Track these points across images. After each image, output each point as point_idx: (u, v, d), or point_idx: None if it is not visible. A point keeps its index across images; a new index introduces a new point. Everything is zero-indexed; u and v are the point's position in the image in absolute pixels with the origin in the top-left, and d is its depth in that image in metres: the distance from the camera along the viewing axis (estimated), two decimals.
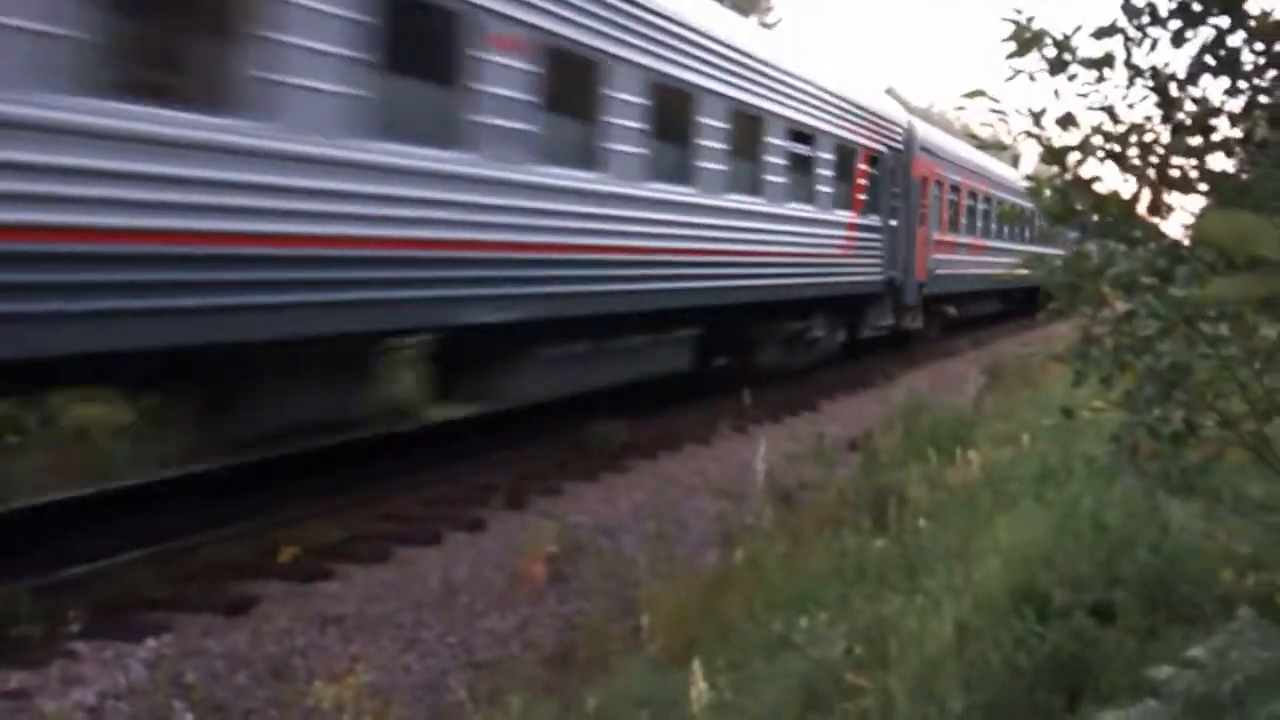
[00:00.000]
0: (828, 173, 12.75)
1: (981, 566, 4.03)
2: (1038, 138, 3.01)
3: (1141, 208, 2.94)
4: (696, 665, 3.52)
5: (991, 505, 5.43)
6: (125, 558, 5.55)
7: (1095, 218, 2.93)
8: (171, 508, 6.52)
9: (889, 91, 18.42)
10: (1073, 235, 3.26)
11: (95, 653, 4.52)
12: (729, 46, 10.14)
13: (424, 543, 6.38)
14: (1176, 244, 2.94)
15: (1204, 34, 2.96)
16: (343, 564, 5.90)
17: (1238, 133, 2.99)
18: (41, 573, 5.16)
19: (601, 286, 8.24)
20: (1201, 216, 0.89)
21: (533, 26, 7.32)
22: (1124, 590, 3.46)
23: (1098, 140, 2.92)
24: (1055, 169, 3.00)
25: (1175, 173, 2.85)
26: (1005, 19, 3.02)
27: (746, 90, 10.51)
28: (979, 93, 3.18)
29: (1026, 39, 3.01)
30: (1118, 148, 2.87)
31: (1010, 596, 3.59)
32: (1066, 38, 2.98)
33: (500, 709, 3.87)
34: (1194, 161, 2.89)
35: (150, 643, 4.64)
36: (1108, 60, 2.97)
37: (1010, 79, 3.12)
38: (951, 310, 19.51)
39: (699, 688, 3.42)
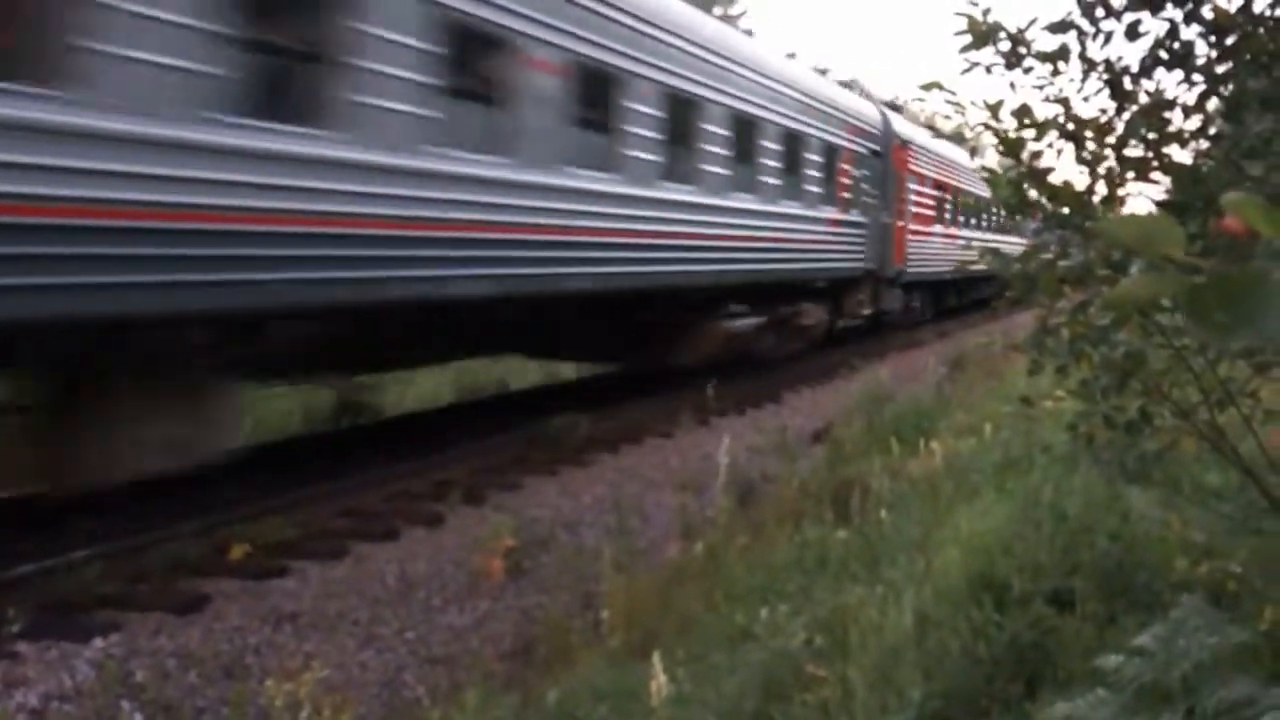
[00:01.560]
0: None
1: (942, 556, 4.05)
2: (994, 129, 3.02)
3: (1096, 199, 2.96)
4: (656, 658, 3.50)
5: (953, 495, 5.47)
6: (72, 556, 5.41)
7: (1050, 208, 2.94)
8: (120, 504, 6.37)
9: (854, 83, 19.09)
10: (1032, 226, 3.28)
11: (39, 654, 4.39)
12: None
13: (381, 538, 6.30)
14: None
15: (1158, 27, 2.98)
16: (298, 560, 5.80)
17: (1193, 124, 3.01)
18: None
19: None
20: (1106, 219, 0.90)
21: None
22: (1082, 578, 3.49)
23: (1053, 131, 2.93)
24: (1012, 160, 3.01)
25: (1132, 156, 2.87)
26: (960, 12, 3.02)
27: None
28: (935, 85, 3.18)
29: (982, 32, 3.01)
30: (1072, 127, 2.88)
31: (970, 586, 3.61)
32: (1021, 31, 2.99)
33: (458, 705, 3.82)
34: (1149, 152, 2.91)
35: (98, 642, 4.53)
36: (1062, 54, 2.98)
37: (966, 71, 3.12)
38: None
39: (659, 680, 3.40)
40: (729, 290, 11.47)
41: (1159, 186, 3.09)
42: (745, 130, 11.40)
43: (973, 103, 3.07)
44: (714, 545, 5.63)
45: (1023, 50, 3.01)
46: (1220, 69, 2.97)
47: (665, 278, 9.92)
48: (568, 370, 13.74)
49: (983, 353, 13.43)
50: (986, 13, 3.01)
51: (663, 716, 3.37)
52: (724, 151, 10.97)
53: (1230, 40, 2.92)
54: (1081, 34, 2.99)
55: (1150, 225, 0.82)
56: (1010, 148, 2.97)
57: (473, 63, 7.30)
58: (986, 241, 22.99)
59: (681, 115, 9.88)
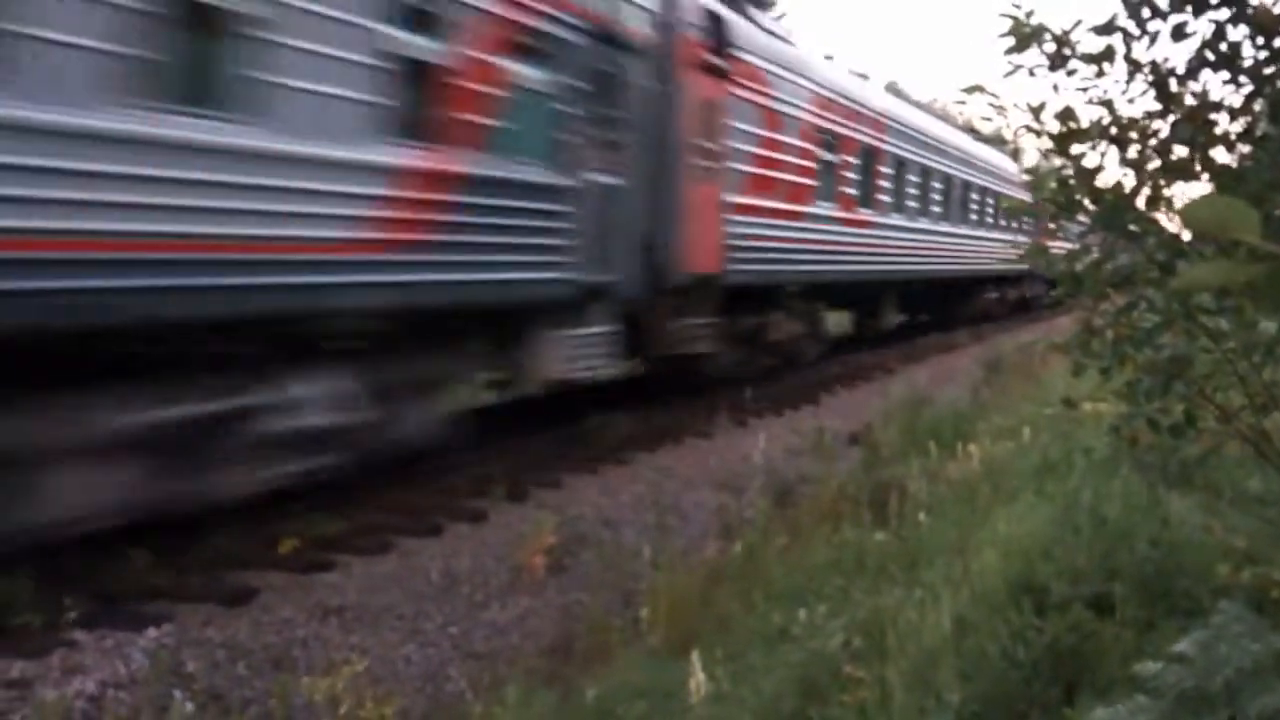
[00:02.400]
0: None
1: (980, 559, 4.05)
2: (1038, 131, 3.01)
3: (1141, 201, 2.95)
4: (695, 656, 3.54)
5: (991, 499, 5.44)
6: (126, 547, 5.56)
7: (1096, 209, 2.93)
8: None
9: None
10: (1076, 228, 3.27)
11: (96, 642, 4.53)
12: None
13: (425, 534, 6.40)
14: (1176, 238, 2.94)
15: (1204, 28, 2.95)
16: (343, 555, 5.91)
17: (1238, 127, 2.98)
18: (42, 562, 5.17)
19: None
20: (1189, 204, 0.90)
21: None
22: (1122, 583, 3.47)
23: (1098, 129, 2.92)
24: (1058, 162, 3.00)
25: (1176, 160, 2.86)
26: (1004, 14, 3.02)
27: None
28: (977, 88, 3.18)
29: (1026, 34, 3.01)
30: (1116, 130, 2.87)
31: (1008, 589, 3.60)
32: (1066, 33, 2.98)
33: (500, 699, 3.88)
34: (1194, 155, 2.89)
35: (151, 632, 4.65)
36: (1107, 55, 2.96)
37: (1009, 74, 3.11)
38: None
39: (697, 679, 3.44)
40: (984, 279, 22.62)
41: (1204, 189, 3.07)
42: (993, 198, 22.46)
43: (1015, 105, 3.06)
44: (752, 545, 5.65)
45: (1067, 52, 3.00)
46: (1268, 70, 2.94)
47: (965, 272, 20.88)
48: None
49: (1019, 356, 13.32)
50: (1030, 14, 3.00)
51: (701, 715, 3.41)
52: (989, 210, 22.33)
53: (1278, 42, 2.89)
54: (1127, 35, 2.97)
55: (1226, 209, 0.83)
56: (1061, 145, 2.96)
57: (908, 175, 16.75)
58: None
59: (981, 198, 21.76)
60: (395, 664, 4.76)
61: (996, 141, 25.43)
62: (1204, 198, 0.85)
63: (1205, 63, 2.99)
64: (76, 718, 4.01)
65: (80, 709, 4.07)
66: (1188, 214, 0.87)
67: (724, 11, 10.54)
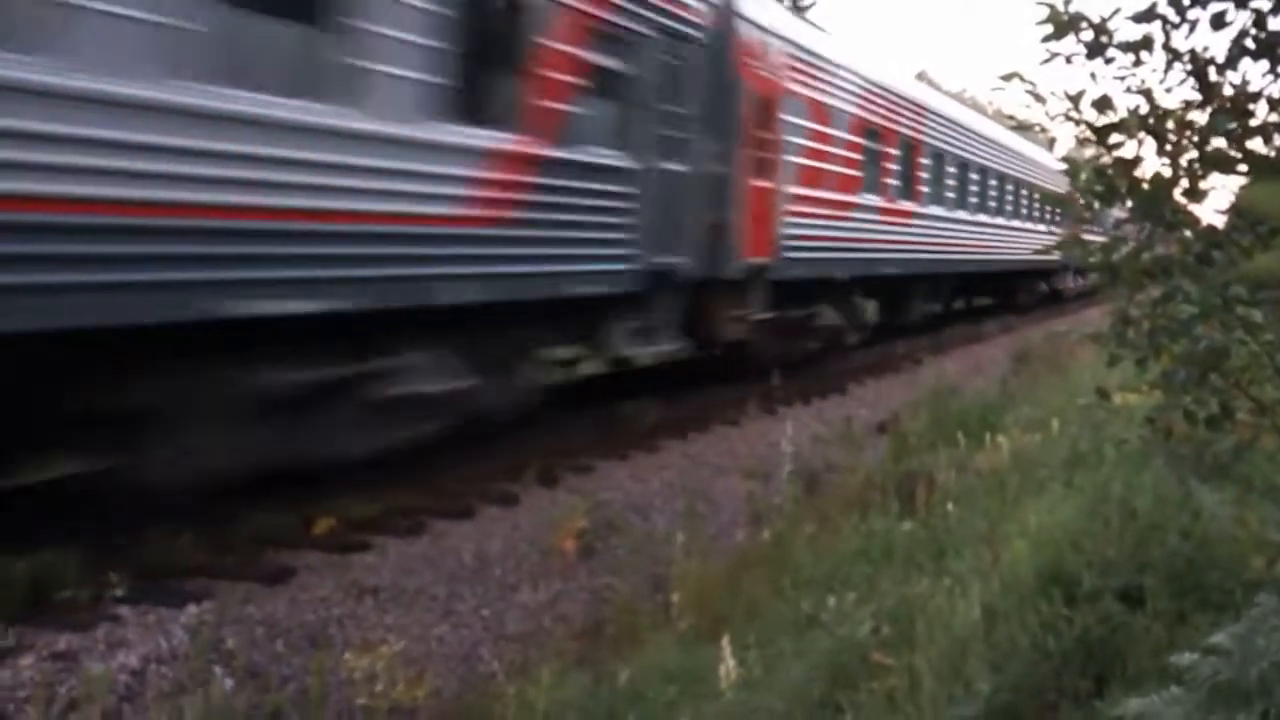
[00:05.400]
0: None
1: (1009, 550, 4.05)
2: (1076, 120, 3.00)
3: (1178, 192, 2.93)
4: (726, 642, 3.57)
5: (1020, 489, 5.43)
6: (167, 526, 5.67)
7: (1132, 200, 2.92)
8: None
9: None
10: (1111, 218, 3.26)
11: (139, 617, 4.64)
12: None
13: (458, 516, 6.48)
14: (1213, 229, 2.92)
15: (1244, 17, 2.93)
16: (379, 536, 6.01)
17: (1276, 117, 2.96)
18: (88, 539, 5.29)
19: None
20: (1249, 186, 0.88)
21: None
22: (1153, 575, 3.46)
23: (1137, 121, 2.91)
24: (1093, 151, 2.99)
25: (1214, 150, 2.84)
26: (1042, 2, 3.01)
27: None
28: (1015, 75, 3.16)
29: (1063, 22, 2.99)
30: (1154, 123, 2.85)
31: (1038, 580, 3.60)
32: (1104, 21, 2.96)
33: (532, 681, 3.94)
34: (1232, 146, 2.87)
35: (192, 609, 4.76)
36: (1146, 44, 2.94)
37: (1046, 62, 3.10)
38: None
39: (728, 664, 3.48)
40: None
41: (1243, 179, 3.05)
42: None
43: (1053, 93, 3.05)
44: (781, 533, 5.68)
45: (1105, 40, 2.98)
46: None
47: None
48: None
49: (1047, 347, 13.22)
50: (1068, 2, 2.99)
51: (731, 700, 3.45)
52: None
53: None
54: (1166, 23, 2.95)
55: None
56: (1100, 135, 2.94)
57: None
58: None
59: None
60: (429, 644, 4.84)
61: (1032, 129, 24.81)
62: (1270, 184, 0.84)
63: (1245, 52, 2.96)
64: (120, 691, 4.12)
65: (124, 682, 4.18)
66: (1252, 199, 0.86)
67: None
